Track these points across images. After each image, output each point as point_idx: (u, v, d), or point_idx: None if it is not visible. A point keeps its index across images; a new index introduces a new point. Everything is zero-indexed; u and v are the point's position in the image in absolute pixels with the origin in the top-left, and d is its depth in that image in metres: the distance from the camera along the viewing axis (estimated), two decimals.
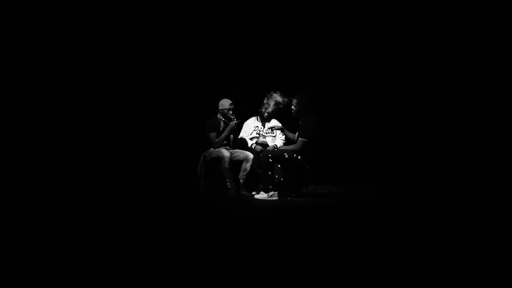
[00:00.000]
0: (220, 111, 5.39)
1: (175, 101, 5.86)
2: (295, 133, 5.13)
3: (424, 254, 2.88)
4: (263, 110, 5.55)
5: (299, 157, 4.89)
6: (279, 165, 4.96)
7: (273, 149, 5.05)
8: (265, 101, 5.45)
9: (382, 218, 3.96)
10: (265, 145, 5.60)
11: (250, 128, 5.68)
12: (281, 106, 5.39)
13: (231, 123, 5.27)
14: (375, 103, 6.12)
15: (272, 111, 5.44)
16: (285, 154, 4.92)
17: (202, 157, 5.37)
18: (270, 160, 4.93)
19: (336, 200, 4.91)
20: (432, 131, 5.74)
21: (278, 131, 5.71)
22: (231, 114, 5.30)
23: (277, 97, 5.40)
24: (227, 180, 5.17)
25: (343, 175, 6.18)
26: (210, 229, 3.46)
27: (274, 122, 5.73)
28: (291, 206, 4.58)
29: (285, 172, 5.01)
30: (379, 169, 6.06)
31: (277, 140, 5.64)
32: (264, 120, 5.68)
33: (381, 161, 6.09)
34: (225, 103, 5.38)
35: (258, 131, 5.64)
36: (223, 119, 5.39)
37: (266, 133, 5.64)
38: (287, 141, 5.40)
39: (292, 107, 4.92)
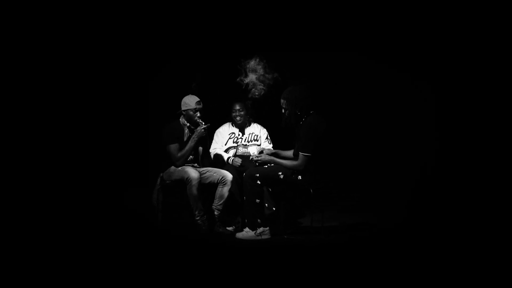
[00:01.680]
0: (184, 112, 4.38)
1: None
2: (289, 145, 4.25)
3: None
4: (233, 113, 4.72)
5: (299, 176, 3.97)
6: (270, 189, 4.12)
7: (259, 157, 4.15)
8: (243, 78, 4.23)
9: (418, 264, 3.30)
10: (247, 157, 4.63)
11: (224, 137, 4.80)
12: (262, 85, 4.21)
13: (199, 128, 4.30)
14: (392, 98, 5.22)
15: (256, 92, 4.23)
16: (280, 173, 3.99)
17: (159, 180, 4.40)
18: (258, 182, 4.00)
19: (353, 237, 4.15)
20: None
21: (263, 133, 4.81)
22: (198, 117, 4.32)
23: (257, 68, 4.17)
24: (196, 212, 4.21)
25: (359, 198, 5.39)
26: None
27: (256, 129, 4.83)
28: (290, 248, 3.85)
29: (280, 199, 4.23)
30: (405, 190, 5.15)
31: (262, 146, 4.76)
32: (240, 125, 4.81)
33: (409, 178, 5.16)
34: (190, 102, 4.36)
35: (236, 139, 4.77)
36: (188, 124, 4.40)
37: (248, 141, 4.77)
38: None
39: (282, 111, 4.05)
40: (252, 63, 4.16)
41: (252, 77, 4.15)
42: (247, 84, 4.22)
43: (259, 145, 4.72)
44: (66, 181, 4.75)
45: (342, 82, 5.16)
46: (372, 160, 5.15)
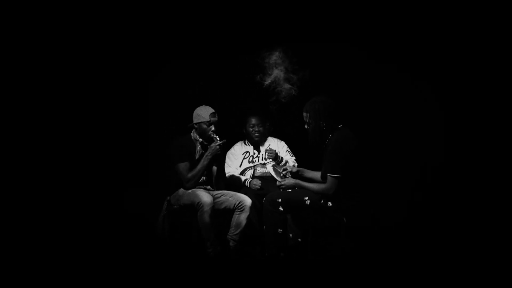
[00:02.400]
0: (196, 126, 4.08)
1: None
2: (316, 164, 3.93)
3: None
4: (251, 129, 4.38)
5: (329, 203, 3.61)
6: (294, 217, 3.88)
7: (283, 182, 3.81)
8: (264, 77, 3.78)
9: None
10: (267, 177, 4.34)
11: (238, 158, 4.46)
12: (290, 85, 3.77)
13: (213, 144, 3.99)
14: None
15: (282, 94, 3.76)
16: (306, 198, 3.66)
17: (165, 204, 4.09)
18: (281, 208, 3.67)
19: (397, 274, 3.59)
20: None
21: (281, 146, 4.48)
22: (213, 132, 4.03)
23: (283, 63, 3.70)
24: (208, 243, 3.87)
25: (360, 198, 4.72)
26: None
27: (273, 143, 4.49)
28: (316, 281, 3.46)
29: (306, 228, 3.93)
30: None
31: (285, 159, 4.41)
32: (256, 143, 4.46)
33: (408, 178, 4.73)
34: (203, 113, 4.07)
35: (251, 159, 4.42)
36: (201, 139, 4.09)
37: (265, 158, 4.41)
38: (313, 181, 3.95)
39: (306, 126, 3.72)
40: (276, 57, 3.70)
41: (277, 74, 3.69)
42: (270, 84, 3.77)
43: (278, 161, 4.37)
44: (65, 181, 4.66)
45: (341, 82, 4.94)
46: (371, 160, 4.93)
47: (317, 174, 3.80)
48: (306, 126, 3.70)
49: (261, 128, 4.30)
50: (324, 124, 3.62)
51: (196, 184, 4.01)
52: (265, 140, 4.45)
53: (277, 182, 3.83)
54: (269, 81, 3.70)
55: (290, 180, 3.80)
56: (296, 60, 3.64)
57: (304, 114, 3.67)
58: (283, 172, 3.88)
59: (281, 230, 3.63)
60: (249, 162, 4.39)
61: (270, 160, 4.29)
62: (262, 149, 4.39)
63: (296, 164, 4.31)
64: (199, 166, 3.95)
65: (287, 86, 3.69)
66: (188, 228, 4.06)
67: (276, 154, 4.15)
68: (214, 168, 4.13)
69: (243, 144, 4.45)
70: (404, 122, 4.91)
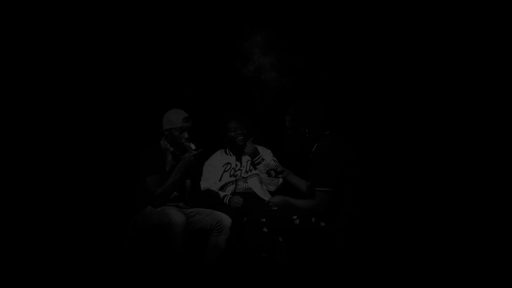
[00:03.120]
0: (166, 133, 3.76)
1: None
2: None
3: None
4: (232, 133, 4.02)
5: (322, 223, 3.29)
6: (280, 239, 3.47)
7: (271, 200, 3.54)
8: (246, 65, 3.43)
9: None
10: (251, 194, 4.00)
11: (217, 171, 4.11)
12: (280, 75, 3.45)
13: (187, 155, 3.66)
14: None
15: (274, 84, 3.43)
16: (295, 217, 3.34)
17: (131, 224, 3.74)
18: (265, 229, 3.37)
19: None
20: None
21: (267, 155, 4.11)
22: (186, 139, 3.69)
23: (271, 48, 3.39)
24: (180, 268, 3.55)
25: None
26: None
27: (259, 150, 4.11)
28: None
29: (296, 251, 3.52)
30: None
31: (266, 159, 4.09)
32: (238, 151, 4.07)
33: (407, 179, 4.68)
34: (175, 118, 3.74)
35: (233, 172, 4.06)
36: (172, 148, 3.75)
37: (247, 171, 4.06)
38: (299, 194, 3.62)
39: (288, 132, 3.51)
40: (261, 38, 3.31)
41: (265, 61, 3.29)
42: (253, 73, 3.40)
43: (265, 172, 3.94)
44: (64, 182, 4.63)
45: (340, 82, 4.85)
46: (369, 161, 4.88)
47: (303, 183, 3.52)
48: (288, 132, 3.45)
49: (244, 130, 3.96)
50: (307, 131, 3.36)
51: (167, 201, 3.65)
52: (250, 148, 4.08)
53: (266, 201, 3.53)
54: (252, 69, 3.32)
55: (278, 198, 3.50)
56: (286, 45, 3.29)
57: (286, 117, 3.44)
58: (266, 168, 3.59)
59: (266, 255, 3.32)
60: (230, 176, 4.02)
61: (254, 172, 3.96)
62: (244, 159, 4.05)
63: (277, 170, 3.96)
64: (170, 180, 3.61)
65: (274, 74, 3.29)
66: (157, 252, 3.65)
67: (256, 149, 3.80)
68: (188, 182, 3.78)
69: (223, 153, 4.07)
70: (404, 122, 4.83)
